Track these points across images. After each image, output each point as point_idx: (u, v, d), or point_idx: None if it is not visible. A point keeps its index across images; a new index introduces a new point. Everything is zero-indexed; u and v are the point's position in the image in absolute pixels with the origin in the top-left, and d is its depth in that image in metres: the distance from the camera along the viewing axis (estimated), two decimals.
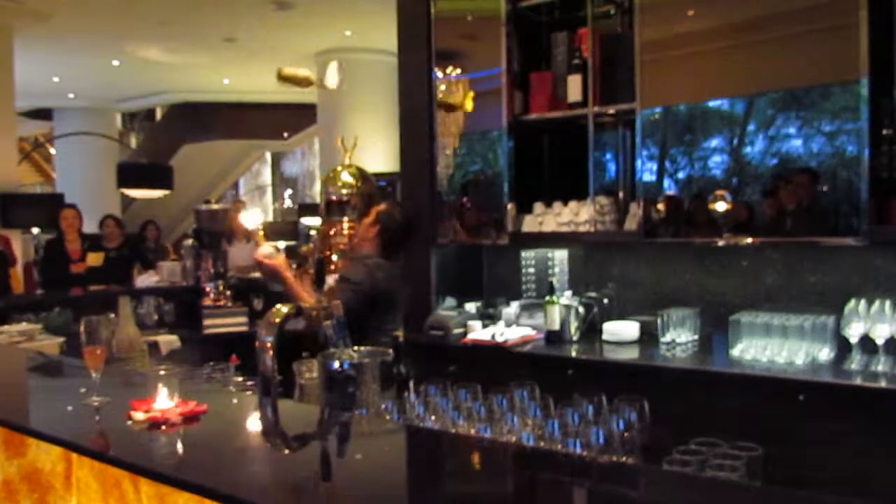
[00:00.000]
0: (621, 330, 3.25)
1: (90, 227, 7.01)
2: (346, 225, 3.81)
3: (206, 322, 5.09)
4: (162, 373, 2.47)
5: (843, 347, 2.77)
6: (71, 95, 12.84)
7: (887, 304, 2.68)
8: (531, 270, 3.77)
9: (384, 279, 3.11)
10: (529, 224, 3.55)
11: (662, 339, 3.09)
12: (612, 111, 3.36)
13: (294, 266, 3.47)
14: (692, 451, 1.36)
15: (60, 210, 6.62)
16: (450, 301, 3.79)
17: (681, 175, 3.12)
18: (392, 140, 6.44)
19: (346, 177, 3.90)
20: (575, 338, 3.30)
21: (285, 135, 13.96)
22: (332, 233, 3.84)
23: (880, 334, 2.67)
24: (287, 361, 2.03)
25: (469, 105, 3.65)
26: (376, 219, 3.24)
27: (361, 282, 3.04)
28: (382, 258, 3.18)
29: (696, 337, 3.15)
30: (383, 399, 1.80)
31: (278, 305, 1.57)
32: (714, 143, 3.03)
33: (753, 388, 2.64)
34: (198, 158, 13.18)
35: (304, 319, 1.74)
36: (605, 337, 3.27)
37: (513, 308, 3.57)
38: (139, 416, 1.65)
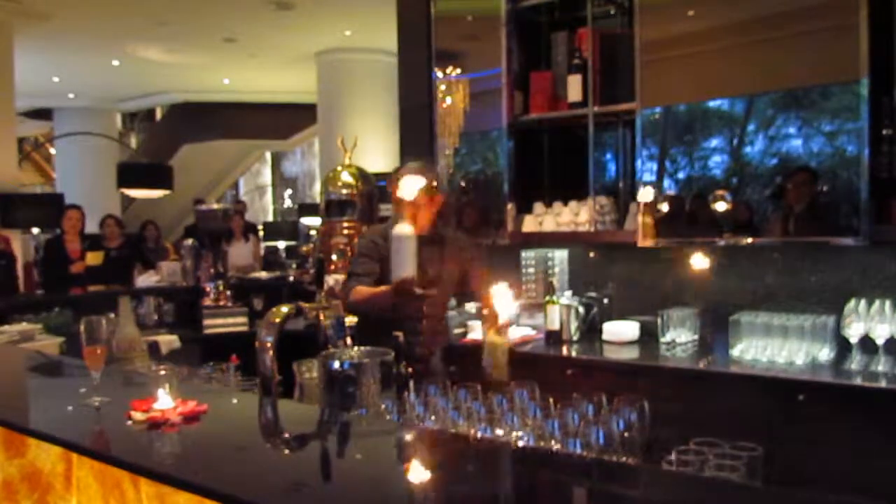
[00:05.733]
0: (621, 330, 3.25)
1: (90, 227, 7.01)
2: (346, 225, 3.81)
3: (206, 322, 5.09)
4: (162, 373, 2.47)
5: (843, 347, 2.77)
6: (71, 95, 12.82)
7: (887, 304, 2.68)
8: (531, 270, 3.77)
9: None
10: (529, 224, 3.55)
11: (662, 339, 3.09)
12: (612, 111, 3.36)
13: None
14: (692, 451, 1.36)
15: (65, 210, 6.63)
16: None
17: (681, 175, 3.12)
18: (392, 140, 6.43)
19: (346, 177, 3.91)
20: (575, 338, 3.30)
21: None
22: (332, 233, 3.84)
23: (880, 334, 2.67)
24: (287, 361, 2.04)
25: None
26: None
27: None
28: None
29: (696, 337, 3.15)
30: (383, 399, 1.80)
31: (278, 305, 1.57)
32: (714, 143, 3.03)
33: (753, 388, 2.64)
34: (198, 158, 13.15)
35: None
36: (605, 337, 3.27)
37: (513, 308, 3.57)
38: (139, 416, 1.65)
